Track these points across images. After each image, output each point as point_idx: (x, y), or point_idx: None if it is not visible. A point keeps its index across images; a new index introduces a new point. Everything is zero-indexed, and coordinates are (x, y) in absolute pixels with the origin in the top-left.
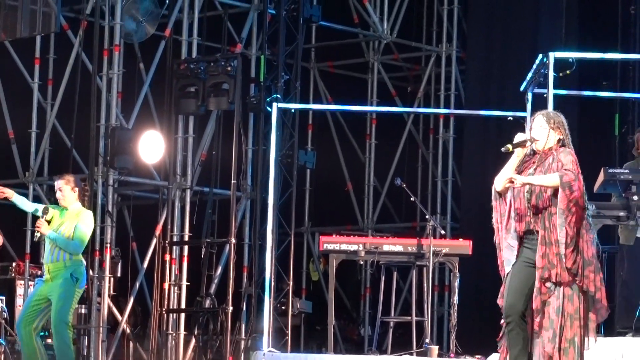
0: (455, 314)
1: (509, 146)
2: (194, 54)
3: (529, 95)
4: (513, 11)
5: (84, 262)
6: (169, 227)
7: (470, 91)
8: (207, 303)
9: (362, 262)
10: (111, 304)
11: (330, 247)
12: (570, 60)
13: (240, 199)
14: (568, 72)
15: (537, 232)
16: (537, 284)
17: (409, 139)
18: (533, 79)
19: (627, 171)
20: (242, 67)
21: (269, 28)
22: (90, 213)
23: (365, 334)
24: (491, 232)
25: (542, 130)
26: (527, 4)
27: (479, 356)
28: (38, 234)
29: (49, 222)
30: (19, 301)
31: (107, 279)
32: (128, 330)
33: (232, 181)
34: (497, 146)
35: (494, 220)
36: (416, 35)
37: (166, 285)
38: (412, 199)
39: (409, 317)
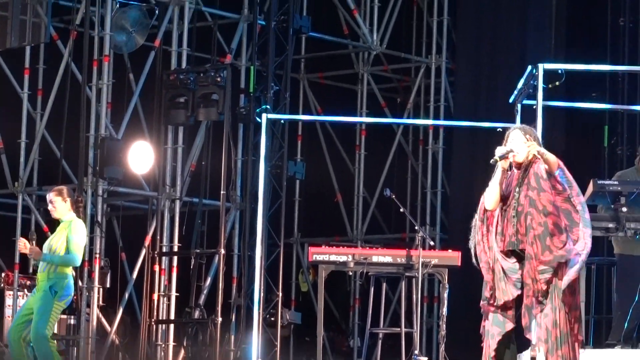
0: (445, 325)
1: (497, 158)
2: (184, 65)
3: (518, 107)
4: (502, 23)
5: (71, 275)
6: (158, 237)
7: (459, 102)
8: (197, 314)
9: (351, 273)
10: (100, 315)
11: (319, 257)
12: (560, 71)
13: (229, 209)
14: (557, 83)
15: (523, 250)
16: (525, 301)
17: (399, 150)
18: (522, 91)
19: (616, 182)
20: (232, 78)
21: (259, 39)
22: (80, 222)
23: (355, 345)
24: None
25: (522, 145)
26: (517, 16)
27: None
28: (33, 261)
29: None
30: (7, 312)
31: (96, 289)
32: (117, 341)
33: (222, 192)
34: (486, 158)
35: (475, 241)
36: (406, 46)
37: (155, 296)
38: (401, 210)
39: (398, 329)
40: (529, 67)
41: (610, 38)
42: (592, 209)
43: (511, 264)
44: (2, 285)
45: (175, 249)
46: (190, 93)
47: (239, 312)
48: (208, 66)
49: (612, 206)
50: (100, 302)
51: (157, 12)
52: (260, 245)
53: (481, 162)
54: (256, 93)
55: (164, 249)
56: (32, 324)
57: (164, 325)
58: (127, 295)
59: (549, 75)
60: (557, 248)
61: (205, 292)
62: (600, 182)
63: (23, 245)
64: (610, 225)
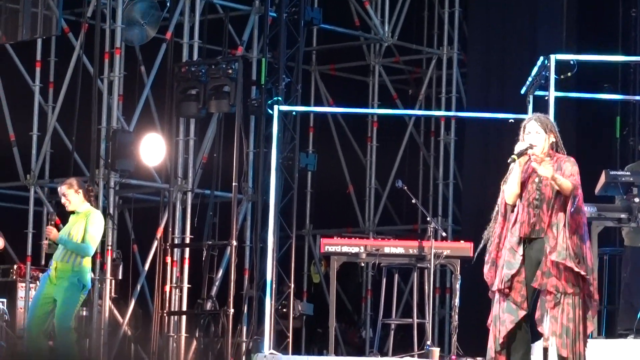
0: (457, 316)
1: (515, 156)
2: (195, 57)
3: (530, 98)
4: (513, 14)
5: (90, 269)
6: (170, 229)
7: (471, 94)
8: (209, 305)
9: (363, 265)
10: (112, 307)
11: (331, 249)
12: (572, 62)
13: (241, 201)
14: (569, 74)
15: (544, 238)
16: (541, 295)
17: (410, 141)
18: (534, 82)
19: (628, 173)
20: (243, 70)
21: (270, 31)
22: (98, 213)
23: (367, 336)
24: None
25: (538, 135)
26: (528, 7)
27: (480, 358)
28: (48, 241)
29: (57, 227)
30: (20, 304)
31: (108, 281)
32: (129, 333)
33: (234, 184)
34: (499, 149)
35: (492, 233)
36: (417, 38)
37: (167, 288)
38: (413, 201)
39: (410, 320)
40: (541, 58)
41: (622, 29)
42: (604, 199)
43: (514, 260)
44: (14, 277)
45: (187, 240)
46: (201, 85)
47: (251, 303)
48: (219, 58)
49: (625, 197)
50: (113, 294)
51: (168, 4)
52: (272, 236)
53: (493, 153)
54: (267, 85)
55: (176, 241)
56: (57, 314)
57: (176, 317)
58: (139, 287)
59: (561, 66)
60: (576, 245)
61: (217, 283)
62: (612, 172)
63: (50, 231)
64: (623, 216)
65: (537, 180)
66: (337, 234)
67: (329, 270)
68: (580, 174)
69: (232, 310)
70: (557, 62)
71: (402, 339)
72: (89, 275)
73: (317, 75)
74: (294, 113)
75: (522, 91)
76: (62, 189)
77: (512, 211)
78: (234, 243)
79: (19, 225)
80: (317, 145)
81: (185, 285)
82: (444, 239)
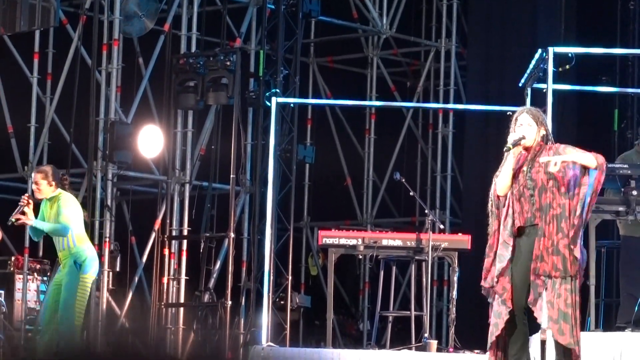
0: (454, 309)
1: (510, 146)
2: (193, 49)
3: (528, 91)
4: (512, 6)
5: (90, 248)
6: (168, 221)
7: (470, 86)
8: (206, 297)
9: (361, 257)
10: (110, 298)
11: (329, 241)
12: (570, 55)
13: (239, 193)
14: (567, 67)
15: (537, 225)
16: (531, 277)
17: (408, 134)
18: (532, 74)
19: (626, 166)
20: (241, 62)
21: (268, 23)
22: (68, 194)
23: (364, 328)
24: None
25: (530, 128)
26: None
27: (477, 351)
28: (13, 220)
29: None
30: (17, 295)
31: (106, 273)
32: (127, 325)
33: (231, 176)
34: (497, 141)
35: (493, 230)
36: (415, 30)
37: (165, 280)
38: (411, 193)
39: (408, 312)
40: (539, 51)
41: (621, 22)
42: (601, 192)
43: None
44: (12, 269)
45: (185, 232)
46: (199, 77)
47: (249, 295)
48: (217, 50)
49: (622, 190)
50: (110, 286)
51: None
52: (270, 229)
53: (493, 146)
54: (266, 77)
55: (174, 233)
56: (61, 299)
57: (173, 309)
58: (136, 279)
59: (559, 58)
60: (569, 231)
61: (214, 275)
62: (610, 165)
63: (27, 199)
64: (621, 208)
65: (525, 169)
66: (334, 226)
67: (327, 262)
68: None
69: (229, 303)
70: (556, 54)
71: (399, 331)
72: (86, 253)
73: (315, 67)
74: (291, 105)
75: (521, 84)
76: (36, 177)
77: (504, 205)
78: (232, 235)
79: None
80: (315, 137)
81: (183, 277)
82: (441, 231)
